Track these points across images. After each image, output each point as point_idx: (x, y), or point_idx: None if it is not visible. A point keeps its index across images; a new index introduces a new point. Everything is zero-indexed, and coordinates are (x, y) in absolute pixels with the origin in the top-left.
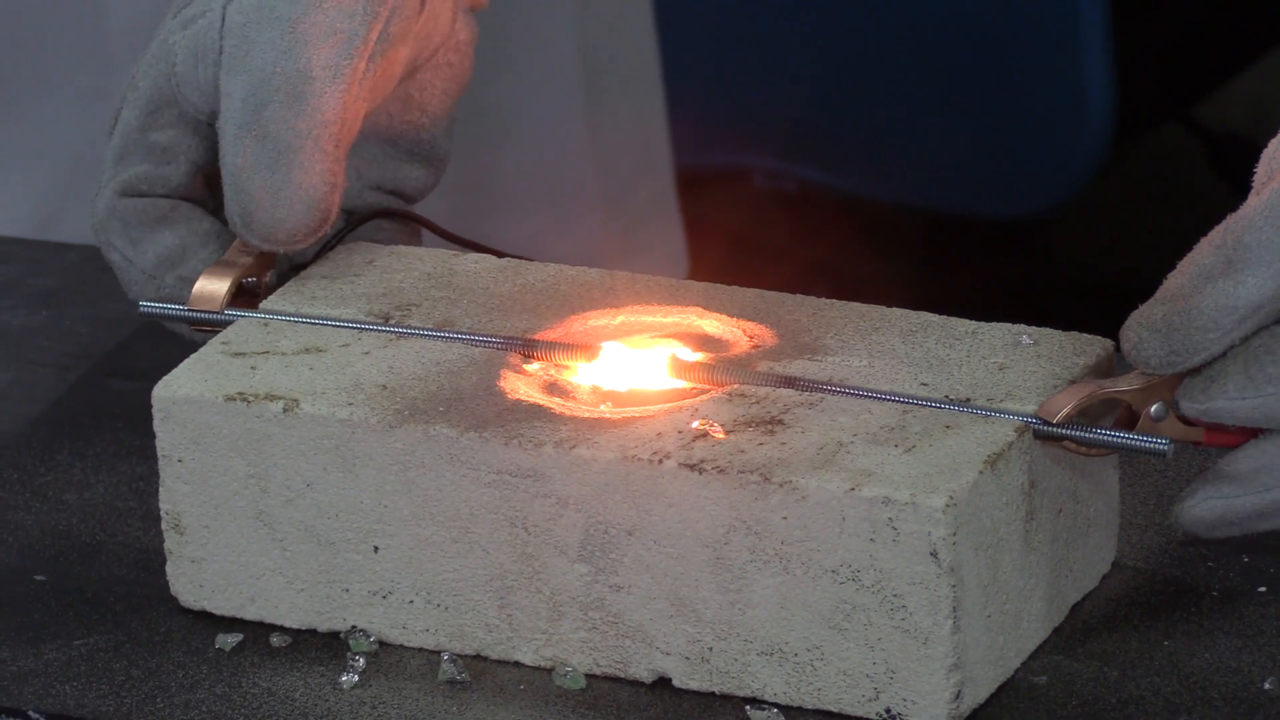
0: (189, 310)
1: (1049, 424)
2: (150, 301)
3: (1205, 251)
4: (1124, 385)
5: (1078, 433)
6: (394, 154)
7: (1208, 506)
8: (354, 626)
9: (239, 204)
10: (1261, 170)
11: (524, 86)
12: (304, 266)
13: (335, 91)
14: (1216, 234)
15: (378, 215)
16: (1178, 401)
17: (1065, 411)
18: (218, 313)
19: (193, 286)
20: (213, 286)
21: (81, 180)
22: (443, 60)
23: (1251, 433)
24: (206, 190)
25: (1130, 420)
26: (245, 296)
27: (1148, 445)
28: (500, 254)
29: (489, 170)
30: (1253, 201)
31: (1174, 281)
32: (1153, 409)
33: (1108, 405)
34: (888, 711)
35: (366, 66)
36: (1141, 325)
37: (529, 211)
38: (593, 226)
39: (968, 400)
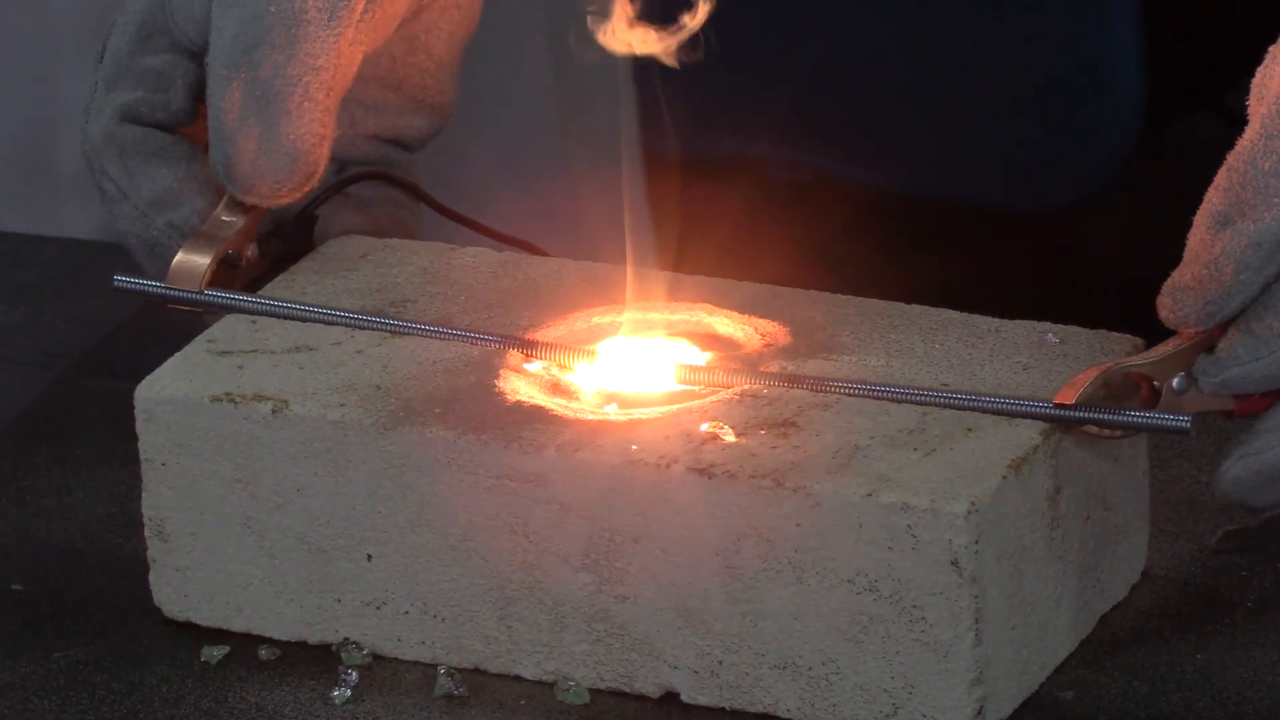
0: (166, 288)
1: (1068, 406)
2: (125, 277)
3: (1215, 199)
4: (1142, 359)
5: (1098, 414)
6: (395, 100)
7: (1243, 465)
8: (346, 638)
9: (221, 151)
10: (1253, 99)
11: (492, 81)
12: (285, 225)
13: (330, 34)
14: (1221, 177)
15: (372, 177)
16: (1196, 379)
17: (1085, 390)
18: (196, 292)
19: (182, 236)
20: (193, 261)
21: (24, 169)
22: (450, 1)
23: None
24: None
25: (1153, 401)
26: (226, 268)
27: (1169, 424)
28: (499, 236)
29: (458, 166)
30: (1248, 134)
31: (1194, 239)
32: (1175, 381)
33: (1129, 386)
34: None
35: (365, 7)
36: (1174, 289)
37: (501, 207)
38: (567, 223)
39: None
